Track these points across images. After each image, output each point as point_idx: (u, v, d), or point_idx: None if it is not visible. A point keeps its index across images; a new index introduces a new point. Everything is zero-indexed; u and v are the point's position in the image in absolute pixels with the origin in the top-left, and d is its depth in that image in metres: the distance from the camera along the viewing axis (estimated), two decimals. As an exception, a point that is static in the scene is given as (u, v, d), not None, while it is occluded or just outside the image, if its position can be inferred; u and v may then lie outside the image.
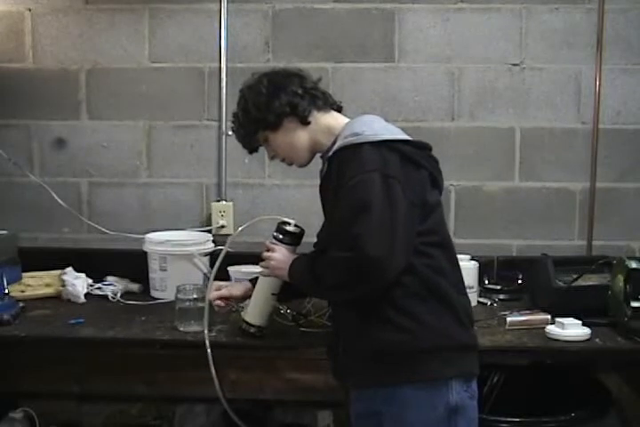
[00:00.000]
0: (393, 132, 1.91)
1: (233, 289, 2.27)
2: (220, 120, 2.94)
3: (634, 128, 2.92)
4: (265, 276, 2.15)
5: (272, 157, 2.13)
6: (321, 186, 2.02)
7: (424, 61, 2.91)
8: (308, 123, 2.01)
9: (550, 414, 2.33)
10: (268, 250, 2.09)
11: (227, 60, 2.91)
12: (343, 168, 1.84)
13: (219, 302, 2.24)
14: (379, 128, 1.90)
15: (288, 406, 2.83)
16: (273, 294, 2.19)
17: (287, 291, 2.15)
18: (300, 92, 1.99)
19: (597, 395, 2.47)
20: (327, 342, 2.11)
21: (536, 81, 2.91)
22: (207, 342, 2.20)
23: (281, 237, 2.11)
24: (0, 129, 2.98)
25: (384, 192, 1.76)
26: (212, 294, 2.24)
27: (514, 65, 2.91)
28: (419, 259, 1.83)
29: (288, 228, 2.11)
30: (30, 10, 2.95)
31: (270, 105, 1.99)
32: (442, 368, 1.84)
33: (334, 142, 1.94)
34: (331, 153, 1.92)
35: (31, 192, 2.97)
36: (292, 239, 2.12)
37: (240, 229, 2.26)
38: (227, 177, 2.97)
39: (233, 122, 2.12)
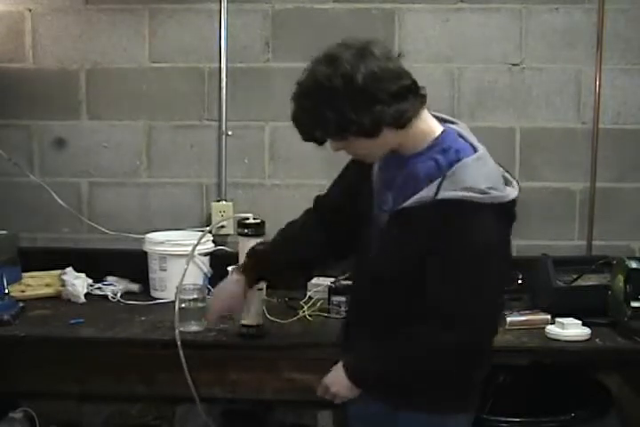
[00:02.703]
0: (511, 182, 1.73)
1: (233, 308, 2.13)
2: (219, 120, 2.94)
3: (634, 128, 2.92)
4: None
5: (337, 150, 1.76)
6: (399, 209, 1.71)
7: (424, 61, 2.91)
8: (405, 128, 1.69)
9: (550, 414, 2.33)
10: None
11: (227, 60, 2.91)
12: (456, 228, 1.63)
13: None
14: (498, 183, 1.67)
15: (288, 406, 2.83)
16: (259, 290, 2.21)
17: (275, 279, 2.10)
18: (403, 90, 1.63)
19: (597, 395, 2.47)
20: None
21: (536, 81, 2.91)
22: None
23: (246, 231, 2.19)
24: (0, 129, 2.98)
25: (496, 271, 1.70)
26: (212, 316, 2.14)
27: (514, 65, 2.91)
28: None
29: (249, 221, 2.19)
30: (30, 10, 2.95)
31: (372, 109, 1.60)
32: (460, 402, 1.83)
33: (422, 153, 1.71)
34: (443, 197, 1.63)
35: (31, 192, 2.97)
36: (258, 230, 2.22)
37: (209, 227, 2.23)
38: (227, 177, 2.97)
39: (301, 108, 1.66)
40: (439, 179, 1.65)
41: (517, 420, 2.32)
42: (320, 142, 1.70)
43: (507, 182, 1.72)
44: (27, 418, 2.73)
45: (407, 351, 1.72)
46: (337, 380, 1.79)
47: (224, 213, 2.92)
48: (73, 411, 2.90)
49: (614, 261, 2.44)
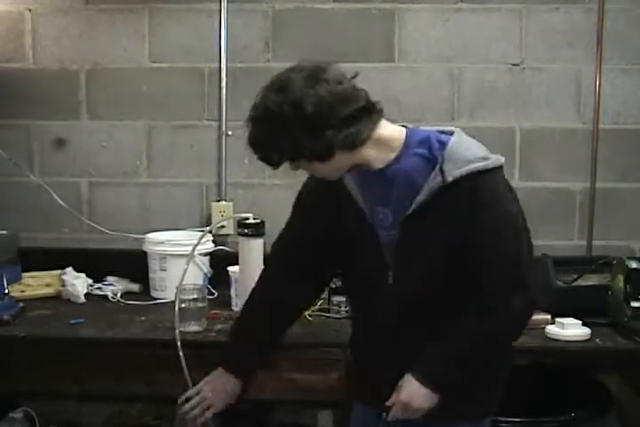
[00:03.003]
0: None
1: (213, 400, 2.00)
2: (219, 120, 2.94)
3: (634, 128, 2.92)
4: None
5: (295, 170, 1.76)
6: (415, 209, 1.67)
7: (424, 61, 2.91)
8: (360, 148, 1.67)
9: (550, 414, 2.34)
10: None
11: (227, 60, 2.91)
12: (479, 199, 1.64)
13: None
14: (485, 148, 1.73)
15: (288, 407, 2.83)
16: None
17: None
18: (355, 114, 1.62)
19: (597, 395, 2.47)
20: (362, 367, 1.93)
21: (536, 81, 2.91)
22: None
23: (246, 231, 2.18)
24: (0, 129, 2.98)
25: (526, 242, 1.71)
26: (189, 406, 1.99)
27: (514, 65, 2.91)
28: None
29: (249, 221, 2.18)
30: (30, 10, 2.95)
31: (323, 135, 1.60)
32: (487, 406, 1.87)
33: (402, 156, 1.70)
34: (453, 178, 1.63)
35: (31, 192, 2.97)
36: (258, 230, 2.21)
37: (209, 227, 2.22)
38: (227, 177, 2.97)
39: (255, 133, 1.66)
40: (437, 166, 1.65)
41: (517, 420, 2.32)
42: (277, 166, 1.70)
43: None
44: (27, 418, 2.72)
45: (477, 338, 1.71)
46: (415, 393, 1.71)
47: (224, 213, 2.92)
48: (73, 411, 2.90)
49: (614, 261, 2.44)
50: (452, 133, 1.73)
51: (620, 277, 2.36)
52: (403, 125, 1.77)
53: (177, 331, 2.22)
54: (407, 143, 1.71)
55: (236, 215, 2.24)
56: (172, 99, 2.96)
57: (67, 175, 3.00)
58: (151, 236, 2.78)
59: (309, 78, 1.61)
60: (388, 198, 1.72)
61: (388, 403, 1.74)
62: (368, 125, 1.65)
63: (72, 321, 2.43)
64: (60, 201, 2.90)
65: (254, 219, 2.27)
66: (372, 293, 1.80)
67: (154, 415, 2.94)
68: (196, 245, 2.48)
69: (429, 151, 1.69)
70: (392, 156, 1.71)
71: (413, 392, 1.70)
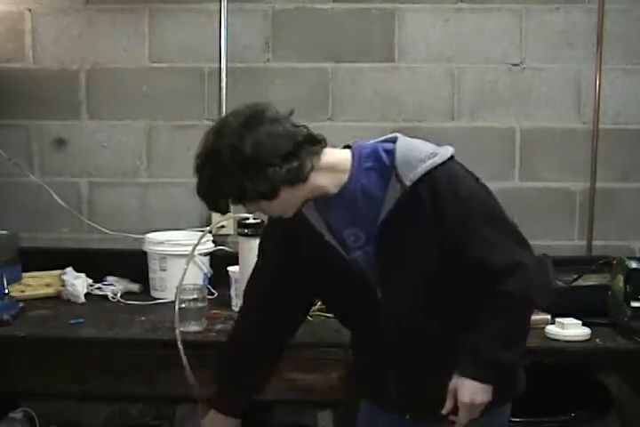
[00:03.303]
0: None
1: None
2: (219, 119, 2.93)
3: (634, 128, 2.92)
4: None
5: (252, 213, 1.83)
6: (385, 218, 1.67)
7: (424, 61, 2.91)
8: (308, 180, 1.67)
9: (550, 414, 2.33)
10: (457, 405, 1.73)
11: (227, 60, 2.91)
12: (443, 191, 1.65)
13: None
14: (429, 144, 1.74)
15: (288, 407, 2.83)
16: None
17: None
18: (294, 150, 1.63)
19: (597, 395, 2.47)
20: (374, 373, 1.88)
21: (536, 81, 2.91)
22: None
23: (246, 231, 2.19)
24: (0, 129, 2.98)
25: (492, 197, 1.74)
26: None
27: (514, 65, 2.91)
28: None
29: (249, 221, 2.19)
30: (30, 10, 2.95)
31: (265, 174, 1.61)
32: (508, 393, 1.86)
33: (354, 174, 1.70)
34: (410, 182, 1.64)
35: (31, 192, 2.97)
36: (258, 230, 2.23)
37: (209, 227, 2.20)
38: (227, 177, 2.97)
39: (200, 183, 1.70)
40: (392, 174, 1.67)
41: (517, 420, 2.32)
42: (226, 211, 1.72)
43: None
44: (27, 418, 2.73)
45: (504, 314, 1.68)
46: (474, 391, 1.68)
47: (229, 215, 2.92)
48: (73, 411, 2.90)
49: (614, 261, 2.44)
50: (395, 140, 1.73)
51: (620, 277, 2.36)
52: (346, 146, 1.77)
53: (177, 331, 2.22)
54: (355, 161, 1.71)
55: (236, 215, 2.24)
56: (172, 99, 2.96)
57: (67, 175, 3.00)
58: (151, 236, 2.78)
59: (245, 122, 1.64)
60: (354, 218, 1.72)
61: (445, 411, 1.71)
62: (309, 158, 1.66)
63: (72, 321, 2.43)
64: (59, 201, 2.90)
65: (254, 219, 2.27)
66: (362, 311, 1.79)
67: (154, 415, 2.94)
68: (196, 244, 2.48)
69: (379, 163, 1.70)
70: (344, 177, 1.71)
71: (473, 391, 1.68)
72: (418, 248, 1.69)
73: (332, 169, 1.70)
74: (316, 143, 1.68)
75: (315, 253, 1.76)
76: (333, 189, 1.71)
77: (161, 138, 2.98)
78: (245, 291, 1.96)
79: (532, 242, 2.89)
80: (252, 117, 1.64)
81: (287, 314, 1.89)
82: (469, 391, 1.68)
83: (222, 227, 2.91)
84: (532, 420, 2.33)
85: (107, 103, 2.98)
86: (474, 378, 1.68)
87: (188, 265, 2.42)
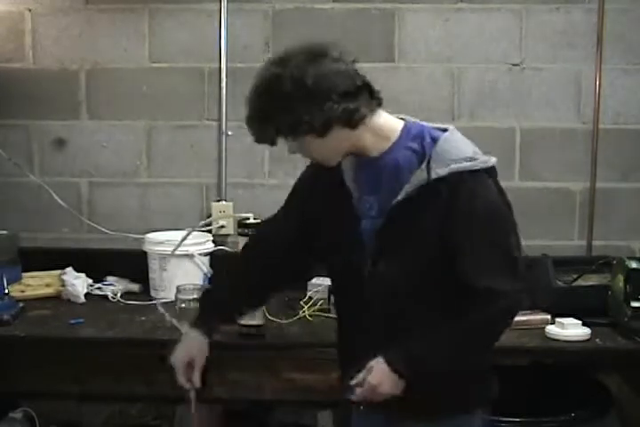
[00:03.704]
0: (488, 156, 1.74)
1: (200, 360, 1.91)
2: (219, 120, 2.94)
3: (634, 128, 2.92)
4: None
5: (293, 153, 1.78)
6: (399, 201, 1.68)
7: (424, 61, 2.91)
8: (358, 127, 1.69)
9: (550, 414, 2.33)
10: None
11: (227, 60, 2.91)
12: (464, 196, 1.64)
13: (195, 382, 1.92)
14: (476, 149, 1.73)
15: (288, 406, 2.83)
16: None
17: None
18: (353, 90, 1.65)
19: (597, 395, 2.47)
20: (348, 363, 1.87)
21: (536, 81, 2.91)
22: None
23: (246, 231, 2.19)
24: (0, 129, 2.98)
25: (508, 222, 1.73)
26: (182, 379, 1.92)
27: (514, 65, 2.91)
28: None
29: (249, 221, 2.20)
30: (30, 10, 2.95)
31: (321, 108, 1.61)
32: (479, 399, 1.83)
33: (395, 147, 1.71)
34: (437, 176, 1.64)
35: (31, 192, 2.97)
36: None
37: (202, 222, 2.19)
38: (227, 177, 2.97)
39: (254, 108, 1.68)
40: (425, 162, 1.67)
41: (517, 420, 2.32)
42: (272, 143, 1.71)
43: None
44: (27, 418, 2.73)
45: (459, 332, 1.69)
46: (385, 378, 1.69)
47: (224, 214, 2.92)
48: (73, 411, 2.90)
49: (614, 261, 2.44)
50: (446, 130, 1.74)
51: (620, 277, 2.36)
52: (401, 118, 1.79)
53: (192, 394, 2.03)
54: (402, 135, 1.73)
55: (237, 215, 2.25)
56: (172, 99, 2.96)
57: (67, 175, 3.00)
58: (151, 236, 2.78)
59: (310, 55, 1.65)
60: (376, 188, 1.73)
61: (353, 382, 1.72)
62: (366, 105, 1.68)
63: (72, 321, 2.43)
64: (59, 201, 2.90)
65: (254, 219, 2.27)
66: (354, 284, 1.78)
67: (154, 415, 2.94)
68: (184, 238, 2.45)
69: (421, 146, 1.71)
70: (387, 145, 1.72)
71: (384, 378, 1.69)
72: (419, 239, 1.69)
73: (379, 132, 1.72)
74: (373, 96, 1.70)
75: (335, 208, 1.77)
76: (373, 152, 1.73)
77: (161, 138, 2.98)
78: (262, 221, 2.01)
79: (532, 242, 2.91)
80: (317, 52, 1.66)
81: (285, 260, 1.90)
82: (380, 376, 1.69)
83: (222, 227, 2.91)
84: (532, 420, 2.34)
85: (107, 103, 2.98)
86: (390, 367, 1.68)
87: (174, 251, 2.38)
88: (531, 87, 2.91)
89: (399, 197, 1.67)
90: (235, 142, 2.93)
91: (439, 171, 1.64)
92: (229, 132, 2.93)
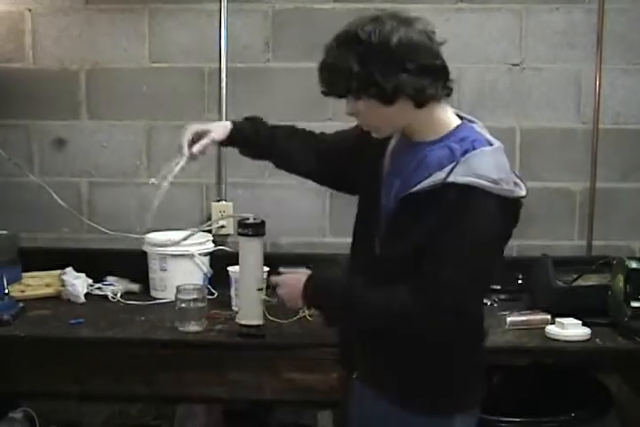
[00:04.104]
0: (519, 184, 1.69)
1: (215, 134, 2.02)
2: (220, 120, 2.93)
3: (634, 128, 2.92)
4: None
5: (350, 114, 1.76)
6: (410, 192, 1.68)
7: (424, 61, 2.90)
8: (422, 107, 1.68)
9: (550, 415, 2.34)
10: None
11: (227, 60, 2.91)
12: (461, 211, 1.62)
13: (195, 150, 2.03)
14: (509, 177, 1.67)
15: (288, 407, 2.83)
16: (259, 290, 2.21)
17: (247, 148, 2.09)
18: (432, 67, 1.65)
19: (597, 395, 2.47)
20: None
21: (536, 81, 2.91)
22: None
23: (246, 231, 2.19)
24: (0, 129, 2.98)
25: (494, 255, 1.70)
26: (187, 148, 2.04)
27: (514, 65, 2.91)
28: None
29: (249, 221, 2.19)
30: (30, 10, 2.95)
31: (397, 75, 1.60)
32: (453, 401, 1.80)
33: (438, 141, 1.71)
34: (454, 180, 1.62)
35: (31, 192, 2.97)
36: (258, 230, 2.23)
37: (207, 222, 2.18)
38: (227, 177, 2.97)
39: (332, 56, 1.66)
40: (452, 164, 1.65)
41: (517, 420, 2.32)
42: (339, 95, 1.70)
43: (515, 183, 1.70)
44: (27, 418, 2.73)
45: (371, 300, 1.71)
46: (293, 286, 1.82)
47: (224, 214, 2.92)
48: (73, 411, 2.90)
49: (614, 261, 2.44)
50: (491, 144, 1.72)
51: (620, 277, 2.36)
52: (463, 117, 1.79)
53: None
54: (450, 134, 1.72)
55: (236, 215, 2.25)
56: (172, 99, 2.96)
57: (67, 175, 3.00)
58: (151, 236, 2.78)
59: (406, 20, 1.65)
60: (403, 171, 1.74)
61: (273, 279, 1.92)
62: (437, 87, 1.66)
63: (72, 321, 2.43)
64: (59, 201, 2.90)
65: (254, 219, 2.27)
66: (361, 245, 1.86)
67: (154, 415, 2.94)
68: (187, 237, 2.46)
69: (458, 149, 1.68)
70: (433, 137, 1.72)
71: (295, 287, 1.81)
72: (414, 234, 1.68)
73: (434, 122, 1.72)
74: (447, 84, 1.70)
75: (370, 173, 1.81)
76: (418, 138, 1.73)
77: (161, 138, 2.98)
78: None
79: (532, 242, 2.92)
80: (411, 21, 1.66)
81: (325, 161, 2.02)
82: (292, 285, 1.82)
83: (222, 227, 2.91)
84: (532, 420, 2.34)
85: (107, 103, 2.98)
86: (306, 284, 1.78)
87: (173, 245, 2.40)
88: (531, 87, 2.91)
89: (412, 190, 1.67)
90: (235, 142, 2.93)
91: (458, 178, 1.61)
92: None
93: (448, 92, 1.72)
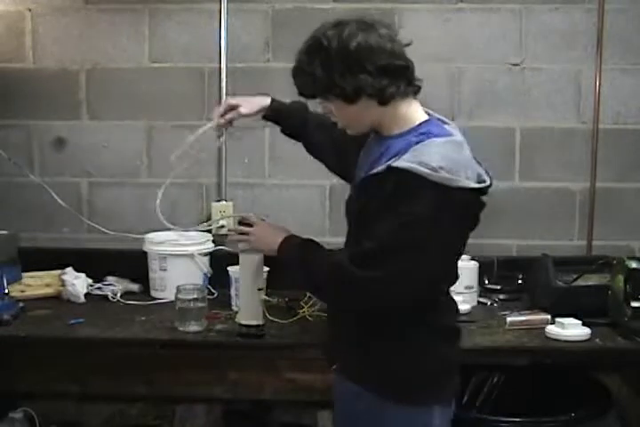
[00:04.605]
0: (467, 174, 1.70)
1: (242, 109, 2.16)
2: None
3: (634, 128, 2.92)
4: (242, 250, 2.14)
5: (325, 113, 1.88)
6: (365, 176, 1.78)
7: (424, 61, 2.89)
8: (386, 105, 1.76)
9: (550, 415, 2.33)
10: (246, 224, 2.06)
11: (227, 60, 2.91)
12: (400, 195, 1.67)
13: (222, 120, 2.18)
14: (458, 168, 1.68)
15: (288, 407, 2.83)
16: (259, 290, 2.21)
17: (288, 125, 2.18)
18: (391, 68, 1.72)
19: (597, 395, 2.47)
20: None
21: (536, 81, 2.91)
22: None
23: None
24: (0, 129, 2.98)
25: (429, 240, 1.69)
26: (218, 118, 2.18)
27: (514, 65, 2.91)
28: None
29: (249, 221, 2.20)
30: (30, 10, 2.95)
31: (356, 76, 1.71)
32: (431, 394, 1.81)
33: (400, 135, 1.77)
34: (396, 164, 1.67)
35: (31, 192, 2.97)
36: None
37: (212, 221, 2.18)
38: (227, 177, 2.97)
39: (300, 62, 1.79)
40: (400, 154, 1.72)
41: (517, 420, 2.32)
42: (311, 97, 1.84)
43: (479, 178, 1.75)
44: (27, 418, 2.73)
45: (317, 261, 1.83)
46: (269, 236, 1.96)
47: (224, 214, 2.92)
48: (73, 411, 2.90)
49: (614, 261, 2.44)
50: (450, 135, 1.77)
51: (620, 278, 2.36)
52: (431, 115, 1.85)
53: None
54: (414, 128, 1.78)
55: (236, 215, 2.24)
56: (172, 99, 2.96)
57: (67, 175, 3.00)
58: (151, 236, 2.78)
59: (365, 24, 1.77)
60: (368, 165, 1.82)
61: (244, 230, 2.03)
62: (400, 86, 1.75)
63: (72, 321, 2.43)
64: (60, 201, 2.90)
65: (263, 217, 2.25)
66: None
67: (154, 415, 2.94)
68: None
69: (417, 140, 1.74)
70: (397, 132, 1.79)
71: (270, 234, 1.96)
72: (359, 218, 1.80)
73: (400, 118, 1.79)
74: (411, 83, 1.78)
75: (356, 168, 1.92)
76: (385, 133, 1.82)
77: (161, 138, 2.98)
78: None
79: (532, 242, 2.92)
80: (371, 25, 1.77)
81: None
82: (266, 235, 1.97)
83: (222, 227, 2.91)
84: (532, 420, 2.33)
85: (107, 103, 2.98)
86: (285, 240, 1.91)
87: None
88: (531, 87, 2.91)
89: (363, 176, 1.79)
90: (235, 142, 2.93)
91: (400, 163, 1.67)
92: (229, 132, 2.92)
93: (415, 90, 1.80)
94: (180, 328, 2.35)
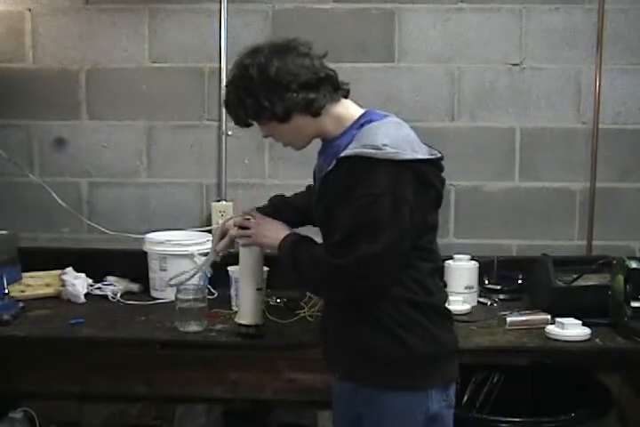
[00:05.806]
0: (414, 148, 1.76)
1: (232, 231, 2.14)
2: (219, 120, 2.94)
3: (634, 128, 2.92)
4: (244, 246, 2.15)
5: (266, 137, 1.96)
6: (322, 176, 1.85)
7: (424, 61, 2.91)
8: (319, 115, 1.84)
9: (550, 415, 2.33)
10: (246, 219, 2.07)
11: (227, 60, 2.91)
12: (354, 181, 1.73)
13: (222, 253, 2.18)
14: (401, 142, 1.75)
15: (288, 407, 2.83)
16: (258, 290, 2.21)
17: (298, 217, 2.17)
18: (313, 82, 1.81)
19: (597, 395, 2.47)
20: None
21: (536, 81, 2.91)
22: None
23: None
24: (0, 129, 2.98)
25: (392, 216, 1.71)
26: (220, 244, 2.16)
27: (514, 65, 2.91)
28: (406, 271, 1.81)
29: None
30: (30, 10, 2.95)
31: (282, 97, 1.80)
32: (426, 378, 1.82)
33: (344, 133, 1.84)
34: (343, 154, 1.76)
35: (31, 192, 2.97)
36: None
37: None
38: (227, 177, 2.97)
39: (228, 93, 1.88)
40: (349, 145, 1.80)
41: (517, 420, 2.32)
42: (247, 125, 1.92)
43: (429, 152, 1.82)
44: (27, 418, 2.73)
45: (304, 257, 1.85)
46: (272, 232, 1.97)
47: (224, 214, 2.92)
48: (73, 411, 2.90)
49: (614, 261, 2.44)
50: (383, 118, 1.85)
51: (620, 278, 2.36)
52: (367, 110, 1.91)
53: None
54: (354, 123, 1.85)
55: (236, 215, 2.24)
56: (172, 99, 2.96)
57: (67, 175, 3.00)
58: (151, 236, 2.78)
59: (278, 48, 1.84)
60: (322, 168, 1.90)
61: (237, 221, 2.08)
62: (327, 96, 1.84)
63: (72, 321, 2.43)
64: (59, 201, 2.90)
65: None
66: None
67: (154, 415, 2.94)
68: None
69: (359, 131, 1.82)
70: (340, 131, 1.87)
71: (274, 230, 1.97)
72: (325, 211, 1.86)
73: (339, 120, 1.87)
74: (337, 88, 1.88)
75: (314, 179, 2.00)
76: (330, 137, 1.89)
77: (161, 138, 2.98)
78: None
79: (532, 242, 2.92)
80: (285, 46, 1.85)
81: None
82: (265, 229, 1.99)
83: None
84: (532, 420, 2.34)
85: (107, 103, 2.98)
86: (286, 237, 1.91)
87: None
88: (531, 87, 2.91)
89: (322, 174, 1.85)
90: (235, 142, 2.94)
91: (347, 151, 1.76)
92: (229, 132, 2.93)
93: (344, 93, 1.90)
94: (180, 328, 2.35)
